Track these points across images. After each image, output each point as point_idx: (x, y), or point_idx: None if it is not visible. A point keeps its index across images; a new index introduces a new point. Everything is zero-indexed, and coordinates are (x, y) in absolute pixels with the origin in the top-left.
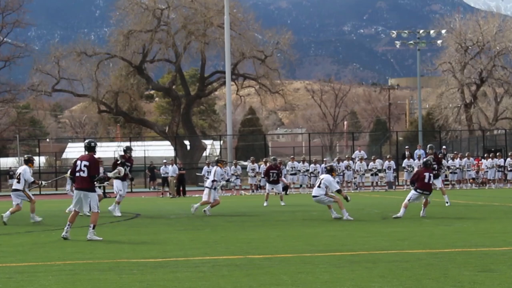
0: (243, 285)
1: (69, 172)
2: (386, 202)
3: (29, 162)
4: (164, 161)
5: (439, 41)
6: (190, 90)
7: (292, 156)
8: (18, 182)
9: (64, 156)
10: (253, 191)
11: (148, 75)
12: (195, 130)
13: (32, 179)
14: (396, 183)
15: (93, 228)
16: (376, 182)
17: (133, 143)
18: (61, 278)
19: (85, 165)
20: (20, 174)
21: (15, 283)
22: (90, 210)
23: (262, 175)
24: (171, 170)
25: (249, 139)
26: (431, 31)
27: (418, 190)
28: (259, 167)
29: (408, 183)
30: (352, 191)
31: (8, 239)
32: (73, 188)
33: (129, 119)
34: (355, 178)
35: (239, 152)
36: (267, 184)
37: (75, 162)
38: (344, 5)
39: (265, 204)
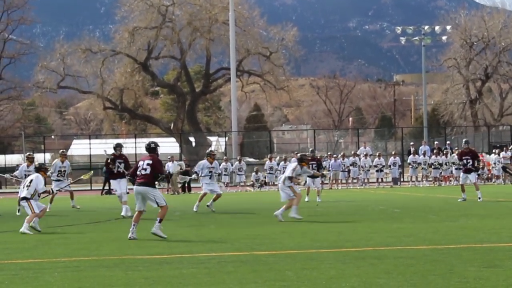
0: (249, 281)
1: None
2: (391, 199)
3: (62, 155)
4: (169, 157)
5: (444, 37)
6: (195, 86)
7: (297, 152)
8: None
9: (69, 153)
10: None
11: (153, 72)
12: (200, 126)
13: (69, 170)
14: (402, 179)
15: (160, 222)
16: (382, 178)
17: (138, 140)
18: (66, 275)
19: (148, 164)
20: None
21: (21, 280)
22: (158, 205)
23: None
24: (171, 167)
25: (254, 136)
26: (436, 27)
27: None
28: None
29: (413, 179)
30: (358, 188)
31: (13, 236)
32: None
33: (134, 115)
34: (360, 174)
35: (244, 149)
36: (307, 179)
37: (137, 163)
38: (349, 1)
39: (306, 199)
